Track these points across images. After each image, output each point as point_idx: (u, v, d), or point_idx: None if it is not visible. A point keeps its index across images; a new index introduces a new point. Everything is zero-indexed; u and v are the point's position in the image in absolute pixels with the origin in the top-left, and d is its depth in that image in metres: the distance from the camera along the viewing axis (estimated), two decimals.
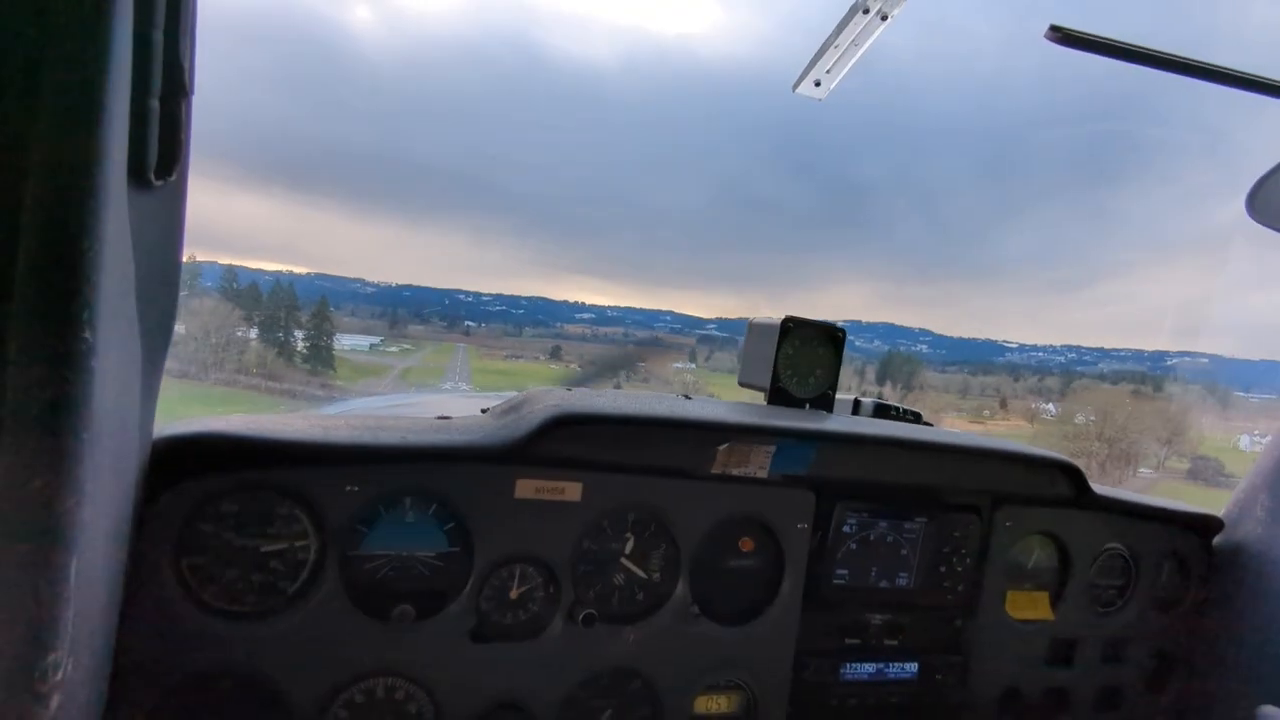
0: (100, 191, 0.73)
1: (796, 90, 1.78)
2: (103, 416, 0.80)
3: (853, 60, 1.70)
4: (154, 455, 1.10)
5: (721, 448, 1.42)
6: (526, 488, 1.33)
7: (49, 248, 0.72)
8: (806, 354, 1.73)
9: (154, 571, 1.13)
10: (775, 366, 1.68)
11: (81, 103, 0.71)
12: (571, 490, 1.36)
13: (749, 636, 1.54)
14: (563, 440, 1.33)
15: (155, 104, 0.84)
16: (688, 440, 1.41)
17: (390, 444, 1.23)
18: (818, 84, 1.76)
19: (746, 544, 1.55)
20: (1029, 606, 1.84)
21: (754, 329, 1.78)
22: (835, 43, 1.66)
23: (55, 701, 0.81)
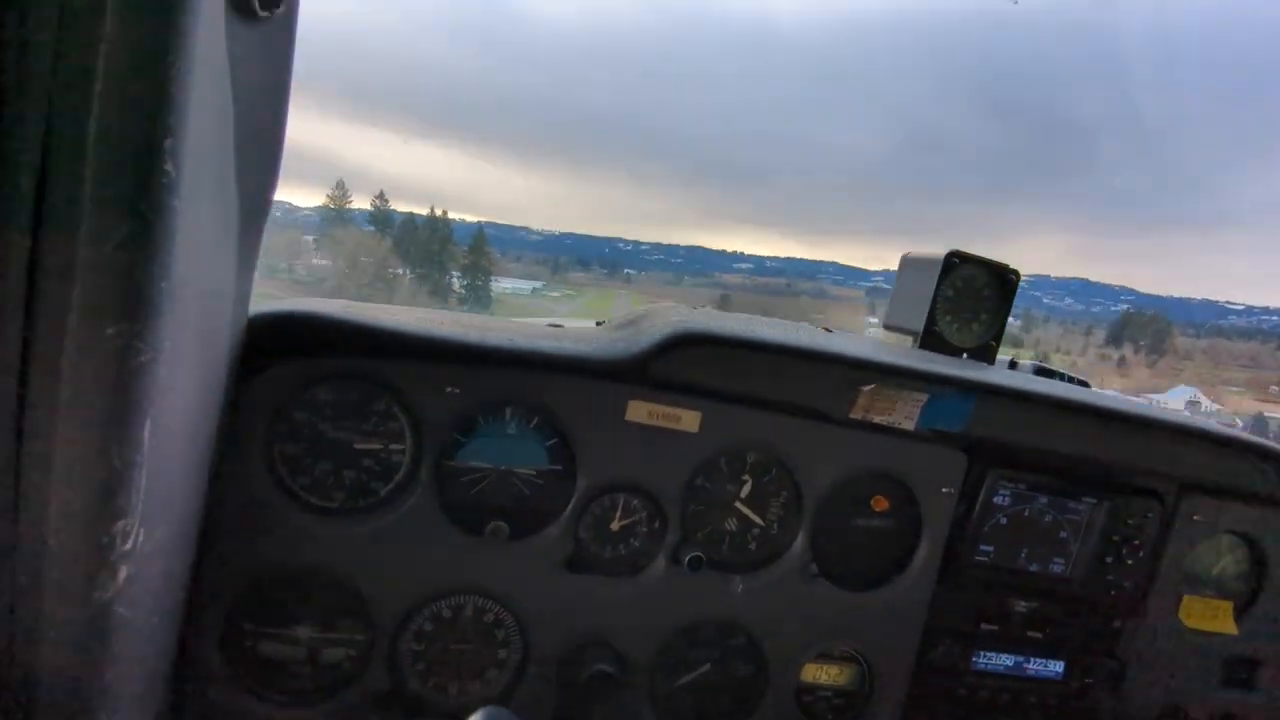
0: (194, 6, 0.63)
1: None
2: (187, 269, 0.71)
3: None
4: (250, 331, 1.03)
5: (865, 389, 1.22)
6: (639, 410, 1.19)
7: (133, 58, 0.62)
8: (970, 296, 1.48)
9: (244, 455, 1.07)
10: (932, 307, 1.45)
11: None
12: (689, 419, 1.21)
13: (872, 605, 1.36)
14: (684, 362, 1.17)
15: None
16: (827, 377, 1.22)
17: (495, 345, 1.12)
18: None
19: (880, 503, 1.35)
20: (1208, 616, 1.56)
21: (910, 264, 1.55)
22: None
23: (123, 572, 0.74)
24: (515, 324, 1.26)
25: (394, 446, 1.15)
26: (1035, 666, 1.49)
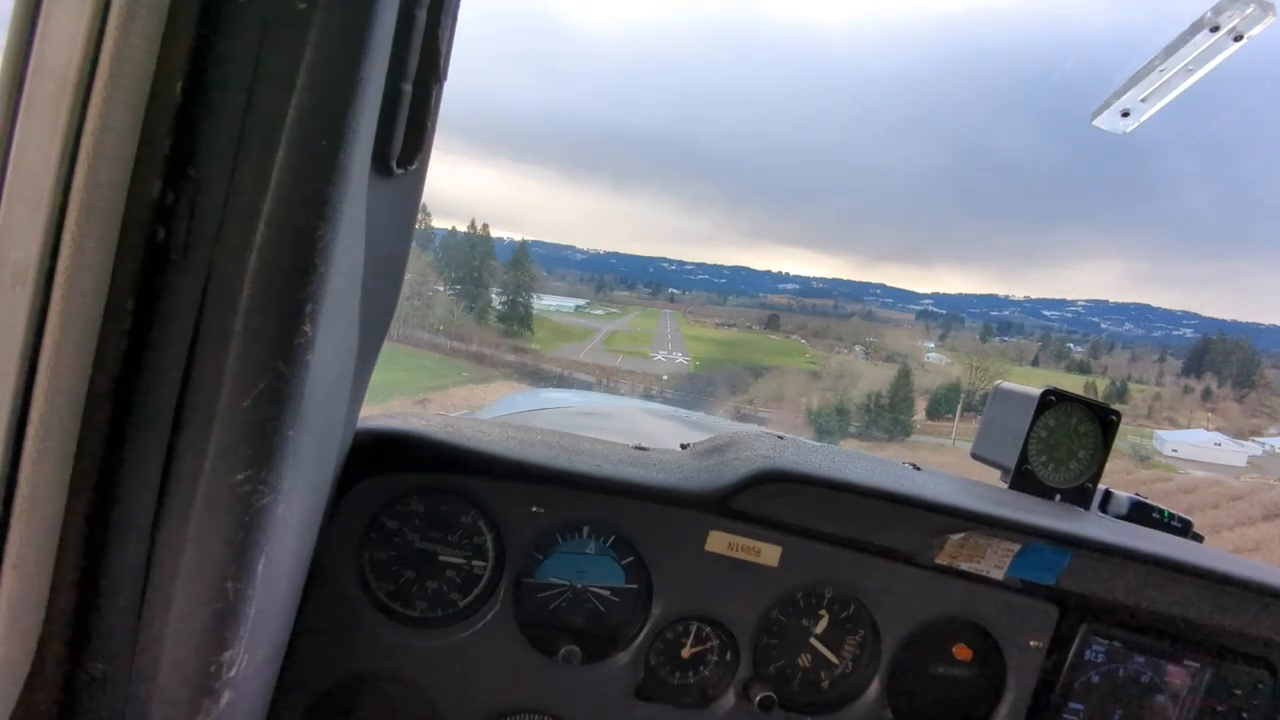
0: (342, 178, 0.68)
1: (1096, 122, 1.49)
2: (312, 412, 0.76)
3: (1181, 87, 1.38)
4: (354, 446, 1.08)
5: (955, 537, 1.18)
6: (719, 542, 1.18)
7: (283, 233, 0.67)
8: (1067, 434, 1.43)
9: (337, 564, 1.11)
10: (1025, 445, 1.40)
11: (338, 80, 0.66)
12: (769, 554, 1.20)
13: None
14: (768, 497, 1.16)
15: (408, 88, 0.78)
16: (914, 521, 1.19)
17: (584, 472, 1.13)
18: (1125, 114, 1.46)
19: (962, 651, 1.29)
20: None
21: (1004, 395, 1.51)
22: (1161, 66, 1.36)
23: (226, 697, 0.77)
24: (603, 446, 1.28)
25: (476, 561, 1.17)
26: None
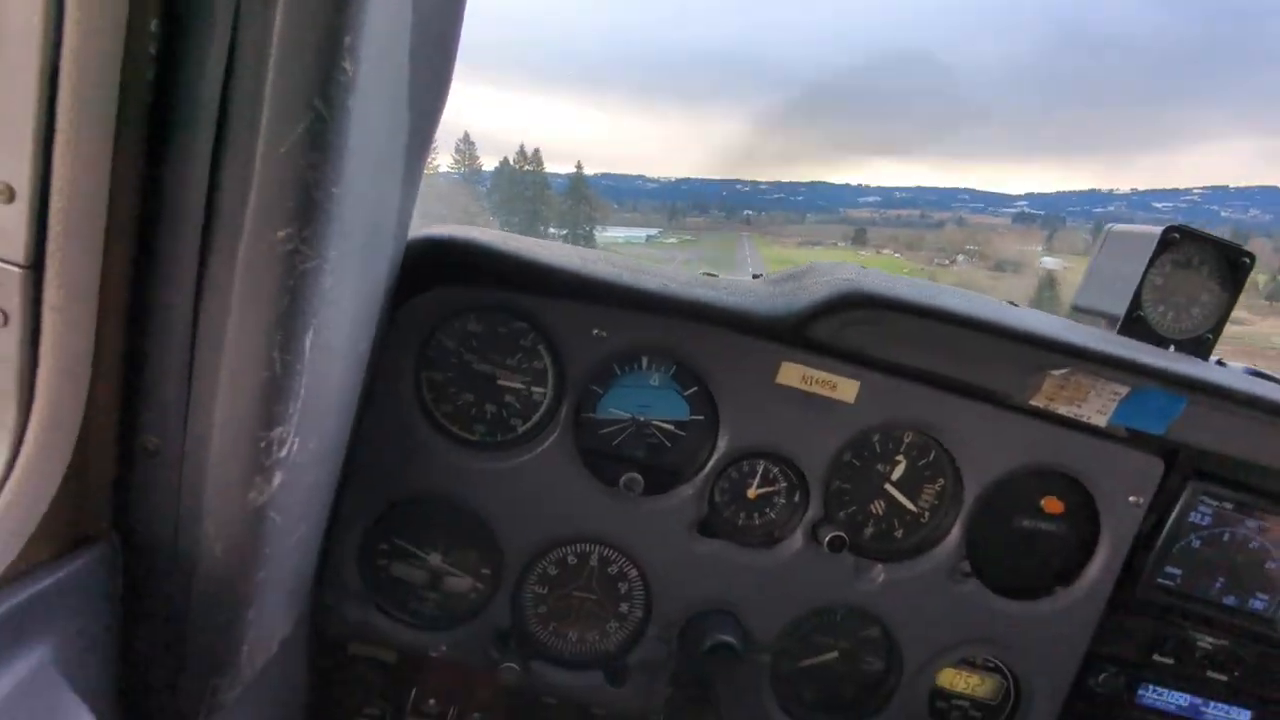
0: None
1: None
2: (357, 178, 0.69)
3: None
4: (407, 253, 1.03)
5: (1055, 373, 1.07)
6: (792, 373, 1.10)
7: None
8: (1189, 279, 1.27)
9: (393, 378, 1.08)
10: (1139, 289, 1.25)
11: None
12: (845, 388, 1.11)
13: (1029, 617, 1.22)
14: (849, 326, 1.07)
15: None
16: (1011, 356, 1.08)
17: (648, 290, 1.05)
18: None
19: (1052, 505, 1.20)
20: None
21: (1116, 238, 1.35)
22: None
23: (277, 478, 0.75)
24: (669, 270, 1.20)
25: (536, 386, 1.12)
26: (1215, 712, 1.30)
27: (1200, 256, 1.27)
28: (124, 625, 0.78)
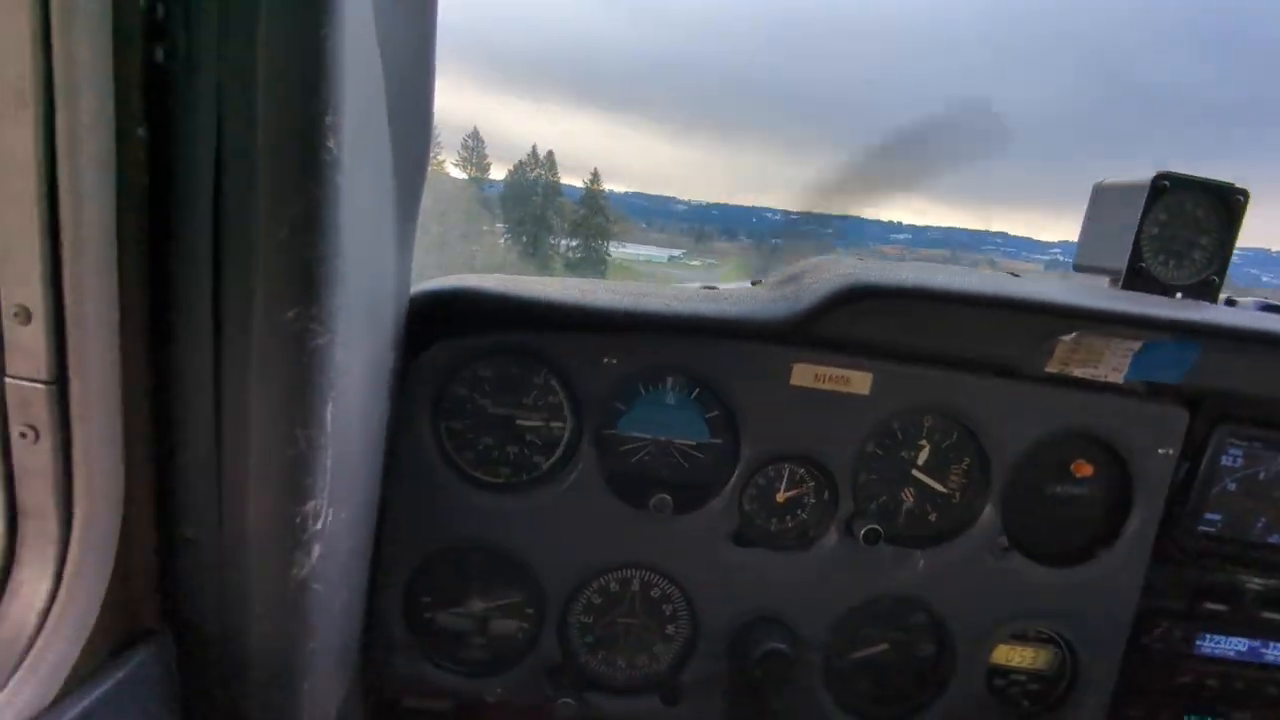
0: None
1: None
2: (353, 246, 0.71)
3: None
4: (411, 309, 1.04)
5: (1065, 338, 1.07)
6: (805, 374, 1.11)
7: (288, 39, 0.61)
8: (1185, 225, 1.27)
9: (414, 433, 1.09)
10: (1137, 240, 1.25)
11: None
12: (859, 381, 1.11)
13: (1075, 583, 1.21)
14: (854, 318, 1.07)
15: None
16: (1020, 327, 1.08)
17: (652, 311, 1.07)
18: None
19: (1082, 468, 1.20)
20: None
21: (1106, 193, 1.35)
22: None
23: (316, 550, 0.76)
24: (670, 289, 1.21)
25: (554, 421, 1.14)
26: (1276, 652, 1.29)
27: (1193, 200, 1.27)
28: (187, 714, 0.79)
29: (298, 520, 0.74)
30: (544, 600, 1.17)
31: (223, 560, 0.76)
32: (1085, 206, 1.41)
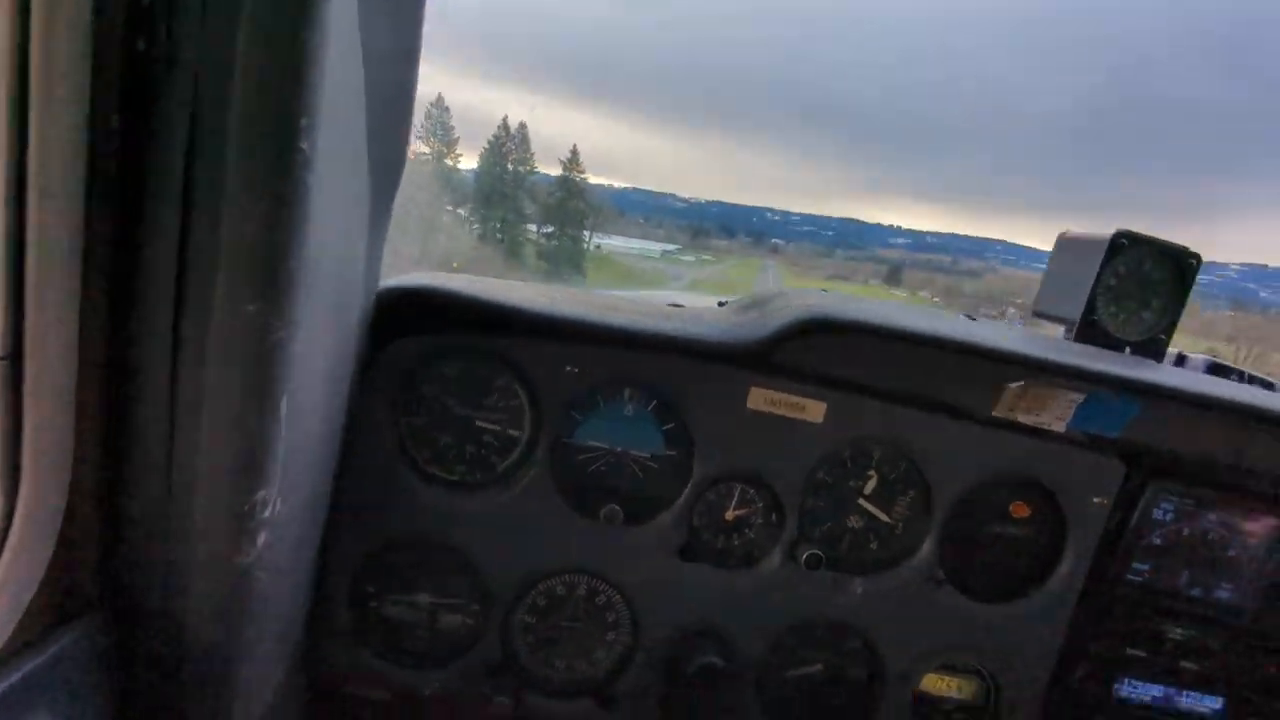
0: None
1: None
2: (321, 245, 0.72)
3: None
4: (378, 304, 1.05)
5: (1013, 386, 1.11)
6: (761, 398, 1.13)
7: (270, 38, 0.62)
8: (1139, 283, 1.32)
9: (374, 427, 1.10)
10: (1092, 294, 1.30)
11: None
12: (813, 410, 1.15)
13: (1003, 619, 1.26)
14: (813, 349, 1.10)
15: None
16: (970, 371, 1.12)
17: (616, 325, 1.09)
18: None
19: (1020, 509, 1.24)
20: None
21: (1069, 245, 1.39)
22: None
23: (262, 538, 0.77)
24: (639, 303, 1.23)
25: (513, 424, 1.15)
26: (1188, 701, 1.34)
27: (1150, 259, 1.31)
28: (122, 693, 0.80)
29: (246, 508, 0.75)
30: (489, 599, 1.19)
31: (167, 543, 0.76)
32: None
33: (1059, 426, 1.16)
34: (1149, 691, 1.32)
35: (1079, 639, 1.29)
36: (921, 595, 1.23)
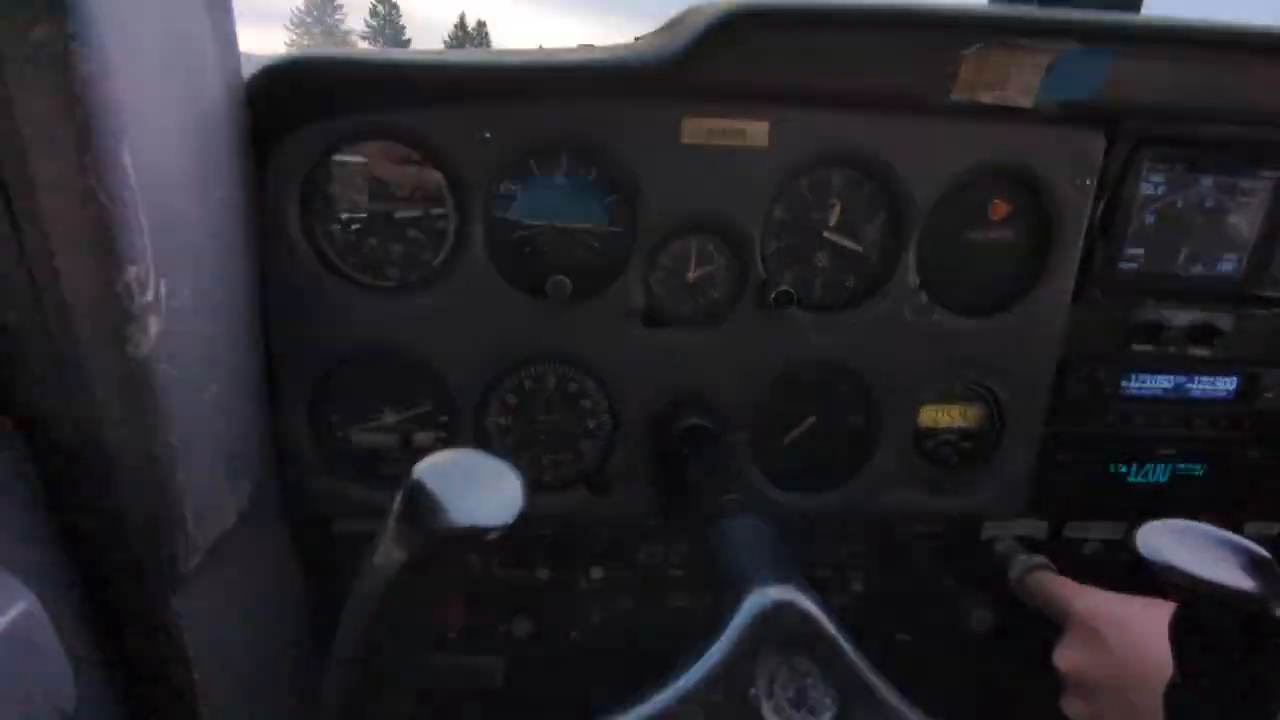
0: None
1: None
2: None
3: None
4: (255, 92, 0.94)
5: (968, 52, 0.99)
6: (696, 130, 1.03)
7: None
8: None
9: (284, 236, 1.01)
10: None
11: None
12: (756, 133, 1.04)
13: (997, 331, 1.19)
14: (741, 57, 0.99)
15: None
16: (920, 46, 1.00)
17: (516, 64, 0.97)
18: None
19: (998, 209, 1.15)
20: None
21: None
22: None
23: (153, 325, 0.70)
24: (543, 51, 1.11)
25: (436, 210, 1.06)
26: (1201, 386, 1.29)
27: None
28: (49, 507, 0.75)
29: (119, 289, 0.67)
30: (456, 405, 1.13)
31: (51, 343, 0.70)
32: None
33: (1027, 101, 1.05)
34: (1158, 383, 1.27)
35: (1078, 342, 1.22)
36: (907, 321, 1.16)
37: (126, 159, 0.64)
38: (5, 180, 0.64)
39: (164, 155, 0.71)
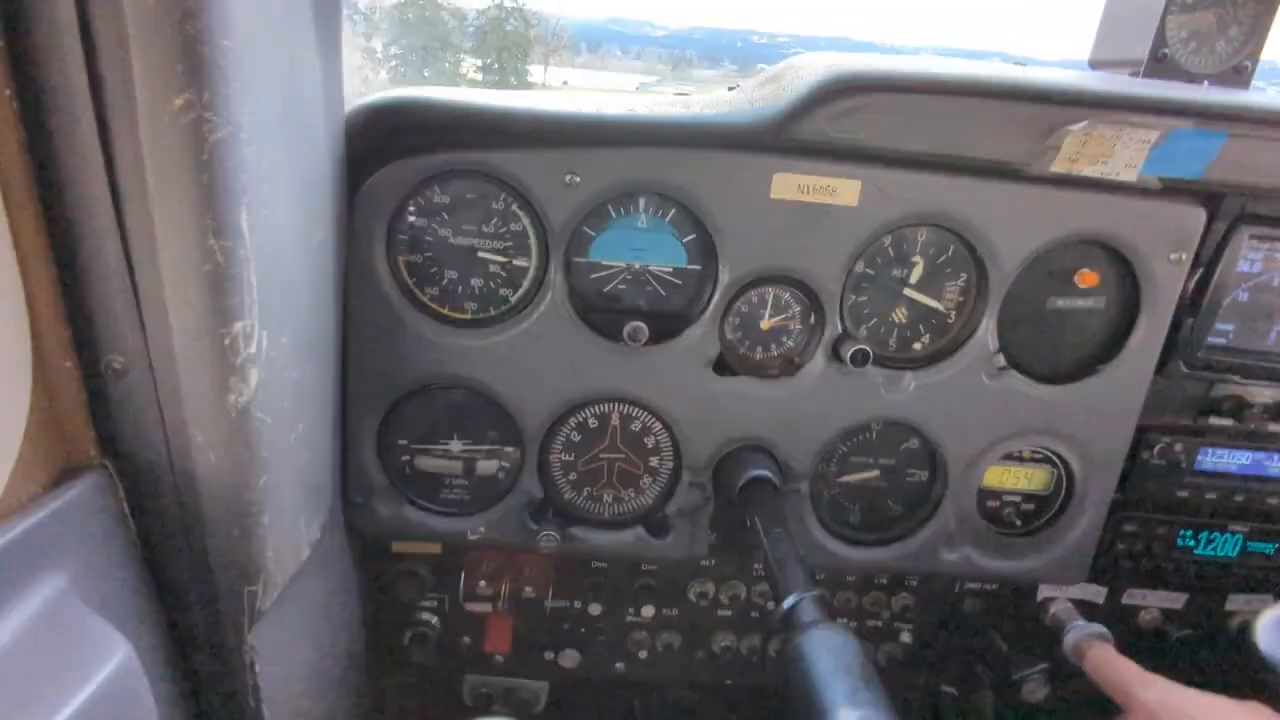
0: None
1: None
2: (252, 36, 0.62)
3: None
4: (352, 129, 0.94)
5: (1074, 129, 0.97)
6: (786, 185, 1.01)
7: None
8: (1216, 4, 1.12)
9: (369, 267, 1.02)
10: (1162, 22, 1.11)
11: None
12: (846, 191, 1.02)
13: (1073, 399, 1.16)
14: (838, 117, 0.97)
15: None
16: (1024, 120, 0.97)
17: (614, 119, 0.96)
18: None
19: (1087, 278, 1.12)
20: None
21: None
22: None
23: (254, 376, 0.71)
24: (637, 98, 1.10)
25: (519, 250, 1.06)
26: (1277, 465, 1.25)
27: None
28: (141, 548, 0.77)
29: (226, 342, 0.68)
30: (522, 438, 1.13)
31: (157, 389, 0.71)
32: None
33: (1130, 175, 1.02)
34: (1234, 460, 1.24)
35: (1156, 413, 1.20)
36: (981, 384, 1.14)
37: (244, 220, 0.65)
38: (128, 231, 0.65)
39: (276, 211, 0.72)
